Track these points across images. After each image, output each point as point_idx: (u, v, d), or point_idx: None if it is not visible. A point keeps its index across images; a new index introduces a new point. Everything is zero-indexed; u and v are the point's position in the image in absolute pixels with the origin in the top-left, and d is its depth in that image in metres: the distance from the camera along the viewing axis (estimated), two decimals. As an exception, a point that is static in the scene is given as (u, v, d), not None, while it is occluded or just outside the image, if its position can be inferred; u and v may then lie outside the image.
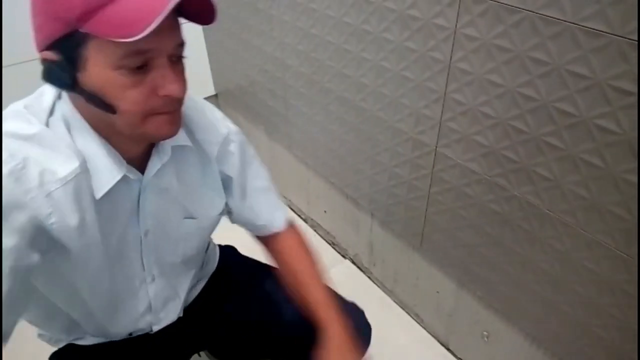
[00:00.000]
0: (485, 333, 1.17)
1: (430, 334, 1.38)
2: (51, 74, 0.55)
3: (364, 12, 1.02)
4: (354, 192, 1.39)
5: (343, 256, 1.66)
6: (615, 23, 0.62)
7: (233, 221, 0.87)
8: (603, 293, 0.81)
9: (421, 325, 1.40)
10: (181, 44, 0.57)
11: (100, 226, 0.63)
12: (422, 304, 1.36)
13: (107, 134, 0.60)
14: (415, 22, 0.91)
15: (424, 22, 0.89)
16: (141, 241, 0.71)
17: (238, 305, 0.93)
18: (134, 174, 0.65)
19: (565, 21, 0.68)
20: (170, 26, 0.54)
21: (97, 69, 0.53)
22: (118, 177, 0.62)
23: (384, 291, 1.51)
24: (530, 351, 1.06)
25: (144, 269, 0.74)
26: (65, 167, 0.57)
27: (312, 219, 1.76)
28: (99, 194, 0.61)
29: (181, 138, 0.69)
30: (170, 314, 0.83)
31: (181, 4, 0.50)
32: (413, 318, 1.42)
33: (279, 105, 1.54)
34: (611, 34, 0.63)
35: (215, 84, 1.97)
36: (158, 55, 0.54)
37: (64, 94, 0.60)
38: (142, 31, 0.48)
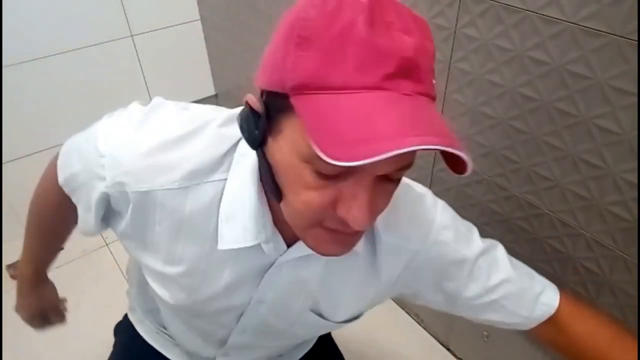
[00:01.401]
0: (485, 333, 1.17)
1: (430, 334, 1.37)
2: (246, 121, 0.46)
3: (364, 12, 1.02)
4: (354, 192, 1.39)
5: (343, 256, 1.66)
6: (615, 23, 0.62)
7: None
8: (603, 293, 0.81)
9: (421, 325, 1.40)
10: (402, 168, 0.41)
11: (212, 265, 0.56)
12: (422, 304, 1.36)
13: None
14: (415, 22, 0.91)
15: (424, 22, 0.89)
16: (249, 304, 0.61)
17: None
18: (275, 246, 0.54)
19: (565, 21, 0.68)
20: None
21: (286, 147, 0.42)
22: (249, 243, 0.51)
23: (384, 291, 1.51)
24: (531, 351, 1.06)
25: (236, 323, 0.65)
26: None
27: (312, 219, 1.76)
28: (221, 246, 0.52)
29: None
30: None
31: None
32: (413, 318, 1.42)
33: (279, 105, 1.54)
34: (611, 34, 0.63)
35: (215, 84, 1.97)
36: (363, 174, 0.40)
37: None
38: (353, 161, 0.33)
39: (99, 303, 1.41)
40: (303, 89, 0.38)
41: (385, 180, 0.42)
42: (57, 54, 1.49)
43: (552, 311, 0.62)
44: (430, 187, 0.95)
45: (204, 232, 0.53)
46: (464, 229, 0.63)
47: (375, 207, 0.43)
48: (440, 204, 0.63)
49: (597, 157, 0.72)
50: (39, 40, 1.44)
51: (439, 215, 0.61)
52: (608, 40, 0.64)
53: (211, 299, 0.58)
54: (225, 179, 0.51)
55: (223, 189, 0.51)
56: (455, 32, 0.84)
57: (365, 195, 0.41)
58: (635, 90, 0.64)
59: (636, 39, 0.61)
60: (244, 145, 0.51)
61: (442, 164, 1.00)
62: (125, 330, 0.90)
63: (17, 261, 0.85)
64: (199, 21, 1.79)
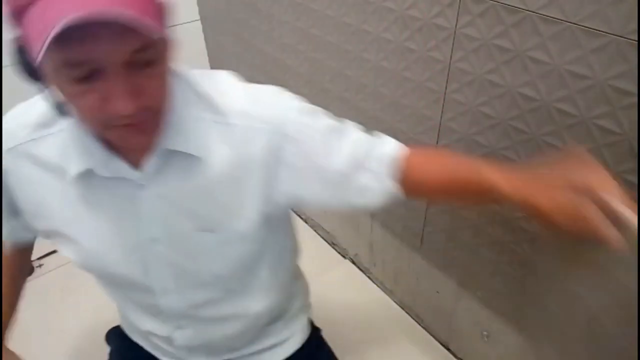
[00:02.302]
0: (485, 333, 1.17)
1: (430, 334, 1.38)
2: (20, 61, 0.51)
3: (364, 12, 1.02)
4: (354, 192, 1.39)
5: (343, 256, 1.66)
6: (615, 23, 0.62)
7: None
8: (602, 293, 0.81)
9: (421, 325, 1.40)
10: (143, 49, 0.47)
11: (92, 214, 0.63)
12: (422, 304, 1.36)
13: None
14: (415, 22, 0.91)
15: (424, 22, 0.89)
16: (146, 248, 0.65)
17: None
18: (117, 168, 0.59)
19: (565, 21, 0.68)
20: (114, 32, 0.44)
21: (49, 73, 0.48)
22: (83, 167, 0.59)
23: (384, 291, 1.51)
24: (531, 351, 1.06)
25: (149, 280, 0.69)
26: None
27: (312, 219, 1.76)
28: (69, 176, 0.60)
29: (178, 142, 0.59)
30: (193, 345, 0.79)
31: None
32: (413, 318, 1.42)
33: (279, 105, 1.54)
34: (611, 34, 0.63)
35: (215, 84, 1.97)
36: (107, 65, 0.46)
37: None
38: (49, 34, 0.41)
39: (99, 303, 1.41)
40: (17, 15, 0.45)
41: (138, 66, 0.48)
42: (57, 54, 1.49)
43: (394, 153, 0.65)
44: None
45: (60, 178, 0.61)
46: (308, 107, 0.67)
47: (141, 91, 0.49)
48: (276, 88, 0.69)
49: (597, 156, 0.72)
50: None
51: (281, 96, 0.67)
52: (608, 40, 0.64)
53: (105, 251, 0.66)
54: (62, 129, 0.60)
55: (63, 138, 0.60)
56: (455, 32, 0.84)
57: (117, 85, 0.47)
58: (635, 90, 0.64)
59: (636, 39, 0.61)
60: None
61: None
62: (117, 336, 0.91)
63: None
64: (199, 21, 1.79)
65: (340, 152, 0.64)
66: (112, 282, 0.74)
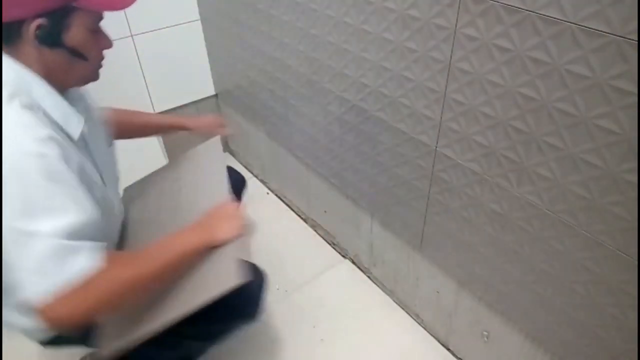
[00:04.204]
0: (485, 333, 1.17)
1: (430, 334, 1.38)
2: (44, 36, 0.74)
3: (364, 12, 1.02)
4: (354, 192, 1.39)
5: (343, 256, 1.66)
6: (615, 23, 0.62)
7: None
8: (603, 293, 0.81)
9: (421, 325, 1.40)
10: None
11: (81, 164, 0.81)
12: (422, 304, 1.36)
13: (55, 89, 0.79)
14: (415, 22, 0.91)
15: (424, 22, 0.89)
16: (103, 181, 0.89)
17: None
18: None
19: (565, 21, 0.68)
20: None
21: (79, 30, 0.77)
22: (82, 122, 0.83)
23: (384, 291, 1.51)
24: (530, 351, 1.06)
25: (114, 207, 0.95)
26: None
27: (312, 219, 1.76)
28: (75, 136, 0.80)
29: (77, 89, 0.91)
30: None
31: None
32: (413, 318, 1.42)
33: (279, 105, 1.54)
34: (611, 34, 0.63)
35: (215, 84, 1.97)
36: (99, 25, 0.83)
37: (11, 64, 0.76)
38: (124, 5, 0.80)
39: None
40: None
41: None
42: (57, 54, 1.49)
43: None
44: (430, 187, 0.95)
45: (68, 146, 0.77)
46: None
47: None
48: None
49: (597, 157, 0.72)
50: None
51: None
52: (608, 40, 0.64)
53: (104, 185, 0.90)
54: (43, 110, 0.76)
55: (44, 114, 0.76)
56: (455, 32, 0.84)
57: (105, 30, 0.85)
58: (635, 90, 0.64)
59: (636, 39, 0.61)
60: (16, 83, 0.74)
61: (442, 164, 1.01)
62: None
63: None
64: (199, 21, 1.79)
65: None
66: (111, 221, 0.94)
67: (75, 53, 0.78)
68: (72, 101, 0.84)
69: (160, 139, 1.89)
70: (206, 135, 1.25)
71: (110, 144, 1.03)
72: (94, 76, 0.86)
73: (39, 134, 0.70)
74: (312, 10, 1.16)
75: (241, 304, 0.97)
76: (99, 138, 0.95)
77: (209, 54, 1.88)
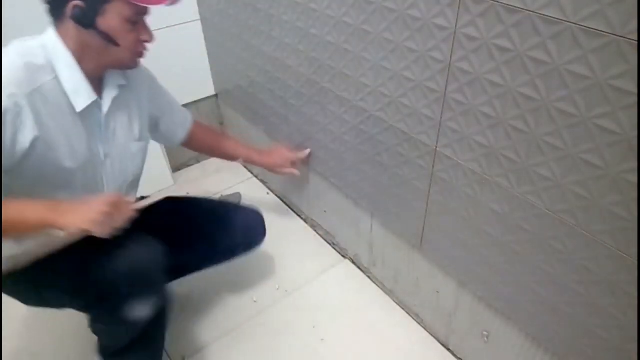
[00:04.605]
0: (485, 333, 1.17)
1: (430, 334, 1.38)
2: (79, 16, 0.84)
3: (364, 12, 1.02)
4: (354, 192, 1.39)
5: (343, 256, 1.66)
6: (615, 23, 0.62)
7: (157, 140, 1.28)
8: (603, 293, 0.81)
9: (421, 325, 1.40)
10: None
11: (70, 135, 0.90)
12: (422, 304, 1.36)
13: (87, 67, 0.90)
14: (415, 22, 0.91)
15: (424, 22, 0.89)
16: (102, 164, 0.98)
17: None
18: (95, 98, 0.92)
19: (565, 21, 0.68)
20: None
21: (114, 17, 0.86)
22: (93, 98, 0.92)
23: (384, 291, 1.51)
24: (530, 351, 1.06)
25: (104, 189, 1.01)
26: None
27: (312, 219, 1.76)
28: (78, 109, 0.90)
29: (122, 78, 1.00)
30: None
31: None
32: (413, 318, 1.42)
33: (279, 105, 1.54)
34: (611, 34, 0.63)
35: (215, 84, 1.97)
36: (144, 17, 0.91)
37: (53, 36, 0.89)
38: (160, 1, 0.87)
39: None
40: None
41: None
42: (57, 54, 1.49)
43: (189, 125, 1.31)
44: (430, 187, 0.95)
45: (64, 112, 0.89)
46: None
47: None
48: None
49: (597, 157, 0.72)
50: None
51: None
52: (608, 40, 0.64)
53: (85, 163, 0.95)
54: (55, 76, 0.87)
55: (59, 81, 0.88)
56: (455, 32, 0.84)
57: (148, 27, 0.93)
58: (635, 90, 0.64)
59: (636, 39, 0.61)
60: (46, 50, 0.87)
61: (442, 164, 1.00)
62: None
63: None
64: (199, 21, 1.79)
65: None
66: (64, 184, 0.95)
67: (107, 38, 0.87)
68: (107, 82, 0.95)
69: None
70: (275, 174, 1.46)
71: (141, 140, 1.08)
72: (130, 63, 0.94)
73: (9, 89, 0.80)
74: (312, 10, 1.16)
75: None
76: (123, 126, 1.02)
77: (209, 54, 1.88)
